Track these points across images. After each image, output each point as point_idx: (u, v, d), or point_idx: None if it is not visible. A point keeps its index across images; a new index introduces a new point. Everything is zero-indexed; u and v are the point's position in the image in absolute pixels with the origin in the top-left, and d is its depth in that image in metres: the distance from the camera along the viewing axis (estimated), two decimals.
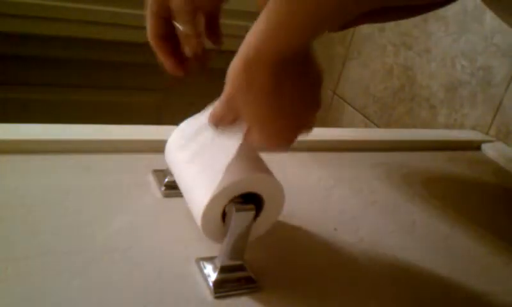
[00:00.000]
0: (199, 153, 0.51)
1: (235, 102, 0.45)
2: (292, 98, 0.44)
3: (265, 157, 0.52)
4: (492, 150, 0.96)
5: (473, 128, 1.09)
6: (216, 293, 0.48)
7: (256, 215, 0.49)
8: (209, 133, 0.50)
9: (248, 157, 0.49)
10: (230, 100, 0.45)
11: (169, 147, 0.55)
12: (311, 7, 0.40)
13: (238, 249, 0.49)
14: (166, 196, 0.59)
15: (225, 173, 0.46)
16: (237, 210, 0.46)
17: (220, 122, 0.47)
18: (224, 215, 0.48)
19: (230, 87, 0.44)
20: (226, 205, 0.47)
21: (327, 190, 0.70)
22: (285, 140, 0.47)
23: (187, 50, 0.56)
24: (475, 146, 0.99)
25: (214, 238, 0.49)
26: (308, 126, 0.48)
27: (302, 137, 0.48)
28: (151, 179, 0.61)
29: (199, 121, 0.53)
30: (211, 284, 0.48)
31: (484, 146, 0.98)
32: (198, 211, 0.48)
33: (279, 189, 0.50)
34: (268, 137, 0.46)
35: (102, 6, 1.31)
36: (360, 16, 0.46)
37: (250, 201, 0.48)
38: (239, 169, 0.47)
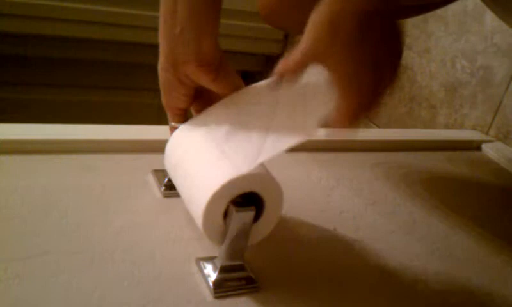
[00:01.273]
0: (197, 156, 0.51)
1: (314, 54, 0.44)
2: (377, 50, 0.44)
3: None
4: (492, 150, 0.96)
5: (473, 128, 1.09)
6: (215, 293, 0.48)
7: (257, 219, 0.49)
8: (208, 136, 0.51)
9: None
10: (309, 51, 0.44)
11: (168, 152, 0.55)
12: None
13: (238, 249, 0.49)
14: (166, 196, 0.59)
15: (225, 172, 0.46)
16: (237, 210, 0.46)
17: (292, 73, 0.46)
18: (225, 215, 0.48)
19: (311, 38, 0.44)
20: (227, 205, 0.47)
21: (327, 190, 0.70)
22: (368, 96, 0.46)
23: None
24: (475, 146, 0.99)
25: (214, 239, 0.49)
26: (389, 83, 0.47)
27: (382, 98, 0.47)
28: (151, 179, 0.61)
29: (197, 125, 0.53)
30: (211, 284, 0.48)
31: (484, 146, 0.98)
32: (198, 211, 0.47)
33: (278, 191, 0.50)
34: (352, 93, 0.45)
35: (102, 6, 1.31)
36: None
37: (251, 203, 0.48)
38: (239, 166, 0.47)
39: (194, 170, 0.50)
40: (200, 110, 0.56)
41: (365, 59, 0.44)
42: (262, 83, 0.53)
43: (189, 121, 0.55)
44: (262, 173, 0.48)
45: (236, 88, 0.53)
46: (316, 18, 0.43)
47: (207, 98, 0.55)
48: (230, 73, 0.53)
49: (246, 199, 0.48)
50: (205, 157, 0.50)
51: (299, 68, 0.46)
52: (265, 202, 0.49)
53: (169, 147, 0.55)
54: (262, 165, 0.49)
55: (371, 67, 0.44)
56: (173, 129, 0.55)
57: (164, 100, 0.55)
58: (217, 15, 0.51)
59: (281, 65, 0.46)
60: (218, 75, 0.52)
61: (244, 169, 0.46)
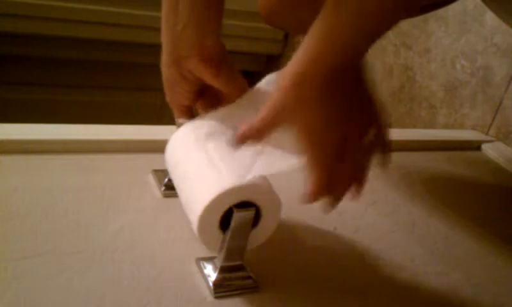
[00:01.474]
0: (195, 162, 0.51)
1: (279, 119, 0.45)
2: (341, 110, 0.45)
3: None
4: (492, 150, 0.96)
5: (473, 128, 1.09)
6: (215, 293, 0.48)
7: (254, 226, 0.49)
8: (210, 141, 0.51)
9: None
10: (274, 116, 0.45)
11: (168, 153, 0.55)
12: (358, 24, 0.41)
13: (238, 249, 0.49)
14: (166, 196, 0.59)
15: (221, 181, 0.46)
16: (237, 210, 0.46)
17: (255, 138, 0.46)
18: (221, 223, 0.48)
19: (276, 102, 0.44)
20: (223, 213, 0.47)
21: None
22: (335, 157, 0.46)
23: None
24: (475, 146, 0.99)
25: (212, 247, 0.49)
26: (360, 148, 0.47)
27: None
28: (151, 179, 0.61)
29: (198, 128, 0.53)
30: (211, 284, 0.48)
31: (484, 146, 0.98)
32: (193, 219, 0.47)
33: (276, 200, 0.49)
34: (318, 153, 0.45)
35: (102, 6, 1.31)
36: None
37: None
38: (236, 176, 0.47)
39: (191, 176, 0.50)
40: (205, 108, 0.56)
41: (330, 118, 0.44)
42: (268, 86, 0.53)
43: (191, 123, 0.55)
44: (258, 183, 0.48)
45: (238, 86, 0.53)
46: (280, 82, 0.44)
47: (212, 96, 0.55)
48: (232, 70, 0.53)
49: (242, 206, 0.47)
50: (203, 163, 0.49)
51: (264, 133, 0.46)
52: (262, 210, 0.48)
53: (169, 147, 0.55)
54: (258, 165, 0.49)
55: (336, 125, 0.45)
56: (180, 126, 0.56)
57: (168, 97, 0.55)
58: (219, 12, 0.51)
59: (244, 130, 0.46)
60: (220, 70, 0.52)
61: (238, 180, 0.46)
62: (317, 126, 0.44)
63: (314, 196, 0.46)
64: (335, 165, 0.46)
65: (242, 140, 0.46)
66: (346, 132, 0.45)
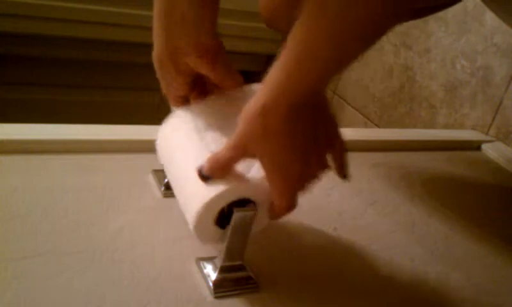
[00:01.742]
0: (187, 158, 0.50)
1: (245, 149, 0.45)
2: (305, 138, 0.45)
3: None
4: (492, 150, 0.96)
5: (473, 128, 1.09)
6: (215, 293, 0.48)
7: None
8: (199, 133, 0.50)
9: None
10: (240, 146, 0.45)
11: (160, 146, 0.55)
12: (321, 62, 0.42)
13: (238, 249, 0.49)
14: (166, 196, 0.59)
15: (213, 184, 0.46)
16: (237, 210, 0.46)
17: (221, 171, 0.46)
18: (217, 219, 0.48)
19: (241, 133, 0.45)
20: (218, 212, 0.47)
21: (327, 190, 0.70)
22: (301, 183, 0.48)
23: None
24: (475, 146, 0.99)
25: (210, 242, 0.49)
26: (321, 167, 0.49)
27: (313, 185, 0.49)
28: (151, 179, 0.61)
29: (187, 122, 0.53)
30: (211, 284, 0.48)
31: (484, 146, 0.98)
32: (189, 220, 0.47)
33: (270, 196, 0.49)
34: (285, 181, 0.46)
35: (102, 6, 1.31)
36: None
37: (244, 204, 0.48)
38: (231, 175, 0.47)
39: (184, 174, 0.50)
40: (198, 96, 0.56)
41: (294, 148, 0.45)
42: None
43: (179, 113, 0.54)
44: (253, 181, 0.48)
45: (235, 80, 0.54)
46: (247, 113, 0.44)
47: (207, 84, 0.55)
48: (228, 64, 0.53)
49: (241, 204, 0.47)
50: (195, 161, 0.49)
51: (229, 165, 0.46)
52: (258, 206, 0.49)
53: (161, 141, 0.54)
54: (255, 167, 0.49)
55: (301, 155, 0.45)
56: None
57: (163, 88, 0.55)
58: (215, 4, 0.52)
59: (209, 163, 0.46)
60: (217, 63, 0.52)
61: (228, 185, 0.46)
62: (281, 156, 0.45)
63: (279, 216, 0.49)
64: (298, 189, 0.48)
65: (210, 173, 0.46)
66: (309, 159, 0.46)
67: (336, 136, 0.50)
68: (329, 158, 0.50)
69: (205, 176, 0.46)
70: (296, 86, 0.43)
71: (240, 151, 0.46)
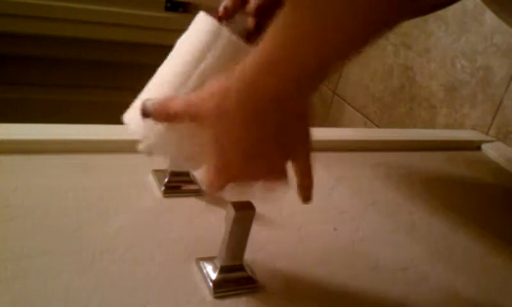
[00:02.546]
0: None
1: (197, 113, 0.43)
2: (267, 142, 0.42)
3: None
4: (492, 150, 0.96)
5: (473, 128, 1.09)
6: (215, 293, 0.48)
7: None
8: None
9: None
10: (195, 107, 0.43)
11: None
12: (325, 44, 0.37)
13: (238, 249, 0.49)
14: (166, 196, 0.59)
15: None
16: (237, 210, 0.46)
17: (166, 118, 0.44)
18: None
19: (206, 98, 0.42)
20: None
21: (327, 190, 0.70)
22: (237, 177, 0.44)
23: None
24: (475, 146, 0.99)
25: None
26: (270, 175, 0.45)
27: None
28: (151, 179, 0.61)
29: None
30: (211, 284, 0.48)
31: (484, 146, 0.98)
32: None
33: None
34: (221, 167, 0.43)
35: (102, 6, 1.31)
36: None
37: None
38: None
39: (158, 79, 0.51)
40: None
41: (251, 144, 0.42)
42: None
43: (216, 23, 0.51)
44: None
45: None
46: (224, 82, 0.41)
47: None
48: None
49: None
50: (171, 80, 0.49)
51: (174, 118, 0.44)
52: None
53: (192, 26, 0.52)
54: None
55: (255, 158, 0.42)
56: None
57: None
58: None
59: (158, 105, 0.44)
60: None
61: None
62: (231, 143, 0.42)
63: (211, 191, 0.46)
64: (231, 180, 0.44)
65: (152, 111, 0.44)
66: (257, 161, 0.43)
67: (302, 150, 0.45)
68: (293, 173, 0.46)
69: (146, 112, 0.44)
70: (289, 68, 0.38)
71: (192, 112, 0.43)
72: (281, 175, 0.45)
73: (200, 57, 0.49)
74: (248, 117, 0.41)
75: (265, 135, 0.42)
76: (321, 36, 0.37)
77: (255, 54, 0.40)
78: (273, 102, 0.40)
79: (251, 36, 0.53)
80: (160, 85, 0.50)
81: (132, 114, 0.50)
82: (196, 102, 0.43)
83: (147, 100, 0.46)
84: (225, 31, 0.49)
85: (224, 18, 0.53)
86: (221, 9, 0.53)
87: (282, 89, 0.39)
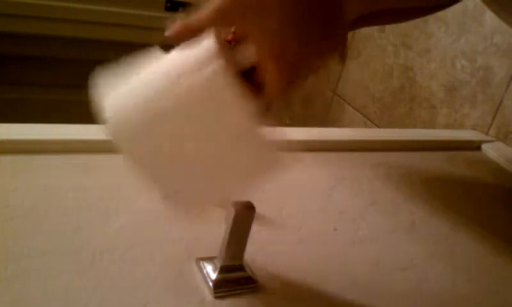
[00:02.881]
0: None
1: (230, 15, 0.39)
2: (310, 23, 0.39)
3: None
4: (492, 150, 0.96)
5: (473, 128, 1.09)
6: (215, 293, 0.48)
7: None
8: None
9: None
10: (224, 10, 0.39)
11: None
12: None
13: (238, 249, 0.49)
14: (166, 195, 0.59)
15: None
16: (237, 210, 0.46)
17: (192, 32, 0.39)
18: None
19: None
20: None
21: (327, 191, 0.70)
22: (296, 69, 0.41)
23: None
24: (475, 146, 0.99)
25: None
26: (321, 59, 0.42)
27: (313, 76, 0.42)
28: None
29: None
30: (211, 284, 0.48)
31: (484, 146, 0.98)
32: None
33: None
34: (278, 60, 0.39)
35: (102, 6, 1.31)
36: (360, 19, 0.46)
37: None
38: None
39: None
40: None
41: (298, 28, 0.39)
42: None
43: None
44: None
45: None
46: None
47: None
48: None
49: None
50: None
51: (202, 28, 0.39)
52: None
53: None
54: None
55: (302, 38, 0.39)
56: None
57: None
58: None
59: (176, 26, 0.39)
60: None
61: None
62: (278, 29, 0.38)
63: (276, 96, 0.41)
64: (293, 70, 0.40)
65: (176, 37, 0.40)
66: (308, 39, 0.40)
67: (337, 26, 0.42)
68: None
69: (167, 44, 0.40)
70: None
71: (222, 16, 0.39)
72: (336, 45, 0.43)
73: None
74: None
75: (312, 9, 0.39)
76: None
77: None
78: None
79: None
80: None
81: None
82: (227, 1, 0.39)
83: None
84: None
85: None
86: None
87: None
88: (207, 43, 0.41)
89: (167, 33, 0.40)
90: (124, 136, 0.46)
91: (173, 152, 0.43)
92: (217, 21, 0.39)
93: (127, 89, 0.47)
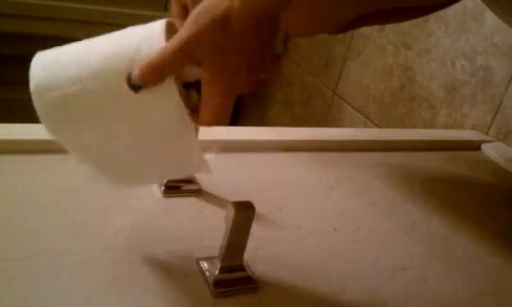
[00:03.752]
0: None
1: (192, 54, 0.41)
2: (258, 51, 0.43)
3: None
4: (492, 150, 0.96)
5: (473, 128, 1.09)
6: (215, 293, 0.48)
7: None
8: None
9: None
10: (187, 48, 0.41)
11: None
12: None
13: (238, 249, 0.49)
14: (166, 196, 0.59)
15: None
16: (237, 210, 0.46)
17: (160, 75, 0.41)
18: None
19: (194, 35, 0.41)
20: None
21: (327, 190, 0.70)
22: (237, 89, 0.44)
23: None
24: (475, 146, 0.99)
25: None
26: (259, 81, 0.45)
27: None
28: None
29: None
30: (211, 284, 0.48)
31: (484, 146, 0.98)
32: None
33: None
34: (227, 84, 0.43)
35: (102, 6, 1.32)
36: (359, 19, 0.46)
37: None
38: None
39: None
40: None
41: (250, 56, 0.42)
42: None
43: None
44: None
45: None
46: (206, 12, 0.40)
47: None
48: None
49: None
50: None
51: (169, 70, 0.41)
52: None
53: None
54: None
55: (250, 65, 0.43)
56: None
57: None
58: None
59: (141, 68, 0.41)
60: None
61: None
62: (233, 65, 0.41)
63: (209, 123, 0.45)
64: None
65: (143, 80, 0.41)
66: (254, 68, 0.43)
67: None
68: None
69: (136, 86, 0.41)
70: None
71: (185, 54, 0.41)
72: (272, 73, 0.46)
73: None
74: (254, 32, 0.41)
75: (264, 42, 0.42)
76: None
77: None
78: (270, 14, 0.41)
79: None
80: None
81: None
82: (189, 40, 0.41)
83: (130, 74, 0.41)
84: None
85: None
86: None
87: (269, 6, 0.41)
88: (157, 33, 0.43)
89: (133, 79, 0.42)
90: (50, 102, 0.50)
91: (101, 134, 0.48)
92: (182, 62, 0.42)
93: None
